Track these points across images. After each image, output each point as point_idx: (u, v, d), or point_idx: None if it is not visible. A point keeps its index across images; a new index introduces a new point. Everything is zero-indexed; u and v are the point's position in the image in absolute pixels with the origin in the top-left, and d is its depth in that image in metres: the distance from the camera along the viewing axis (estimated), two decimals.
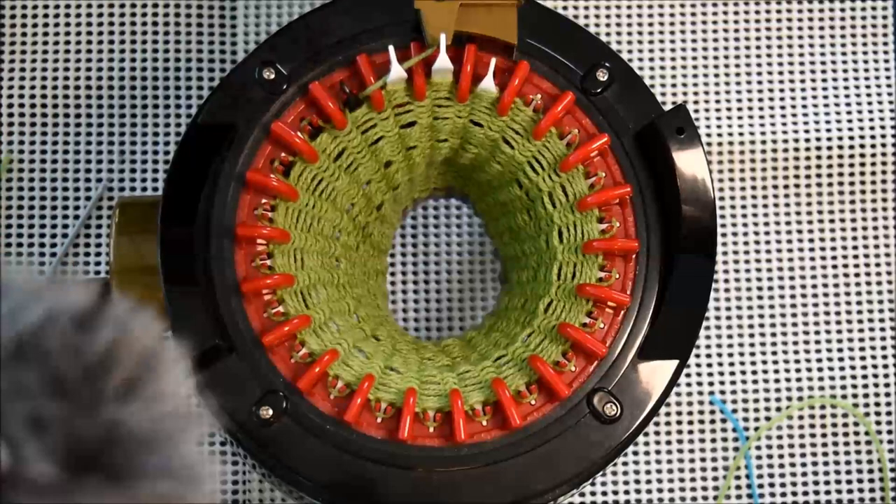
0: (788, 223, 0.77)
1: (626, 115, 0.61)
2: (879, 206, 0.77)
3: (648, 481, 0.74)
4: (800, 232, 0.77)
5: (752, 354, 0.75)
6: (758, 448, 0.74)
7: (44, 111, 0.76)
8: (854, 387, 0.75)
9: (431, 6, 0.58)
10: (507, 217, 0.66)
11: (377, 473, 0.56)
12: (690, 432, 0.74)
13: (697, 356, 0.75)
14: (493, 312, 0.69)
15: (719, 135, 0.77)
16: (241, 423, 0.56)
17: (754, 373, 0.75)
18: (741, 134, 0.77)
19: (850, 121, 0.78)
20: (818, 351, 0.76)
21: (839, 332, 0.76)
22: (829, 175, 0.77)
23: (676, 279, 0.59)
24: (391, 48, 0.59)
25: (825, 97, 0.78)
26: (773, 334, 0.76)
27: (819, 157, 0.77)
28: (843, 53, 0.79)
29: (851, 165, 0.77)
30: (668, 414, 0.74)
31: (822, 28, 0.79)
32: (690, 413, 0.75)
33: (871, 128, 0.77)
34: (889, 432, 0.75)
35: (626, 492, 0.73)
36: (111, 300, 0.34)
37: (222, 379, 0.56)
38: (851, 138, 0.77)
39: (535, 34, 0.61)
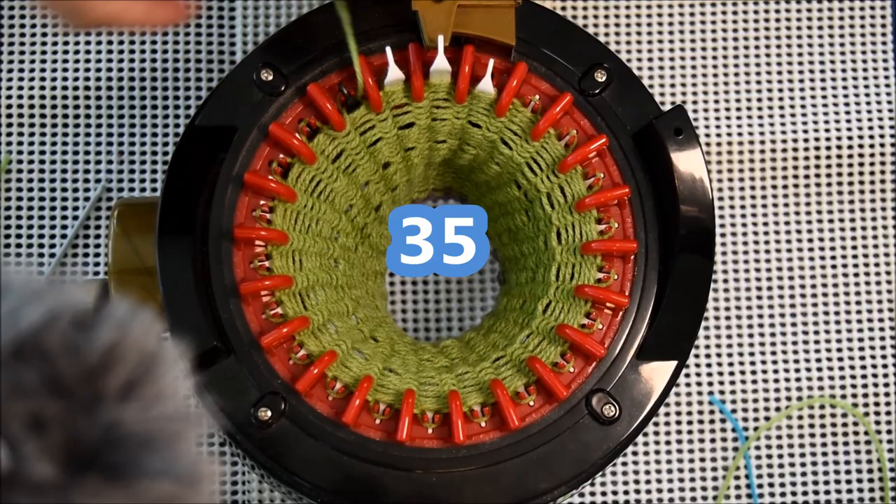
0: (787, 223, 0.77)
1: (624, 116, 0.61)
2: (878, 206, 0.77)
3: (648, 481, 0.74)
4: (799, 232, 0.77)
5: (752, 354, 0.75)
6: (757, 448, 0.74)
7: (42, 111, 0.76)
8: (854, 387, 0.75)
9: (429, 7, 0.58)
10: (505, 218, 0.66)
11: (376, 475, 0.56)
12: (690, 432, 0.74)
13: (697, 356, 0.75)
14: (491, 313, 0.69)
15: (718, 135, 0.77)
16: (240, 424, 0.56)
17: (754, 373, 0.75)
18: (740, 134, 0.77)
19: (849, 121, 0.77)
20: (818, 351, 0.76)
21: (839, 332, 0.76)
22: (828, 175, 0.77)
23: (675, 280, 0.59)
24: (389, 49, 0.59)
25: (824, 97, 0.78)
26: (773, 334, 0.76)
27: (818, 158, 0.77)
28: (843, 53, 0.79)
29: (850, 165, 0.77)
30: (667, 414, 0.74)
31: (821, 28, 0.79)
32: (690, 413, 0.75)
33: (871, 128, 0.77)
34: (889, 432, 0.75)
35: (626, 492, 0.73)
36: (110, 300, 0.34)
37: (221, 380, 0.56)
38: (850, 138, 0.77)
39: (533, 35, 0.61)
